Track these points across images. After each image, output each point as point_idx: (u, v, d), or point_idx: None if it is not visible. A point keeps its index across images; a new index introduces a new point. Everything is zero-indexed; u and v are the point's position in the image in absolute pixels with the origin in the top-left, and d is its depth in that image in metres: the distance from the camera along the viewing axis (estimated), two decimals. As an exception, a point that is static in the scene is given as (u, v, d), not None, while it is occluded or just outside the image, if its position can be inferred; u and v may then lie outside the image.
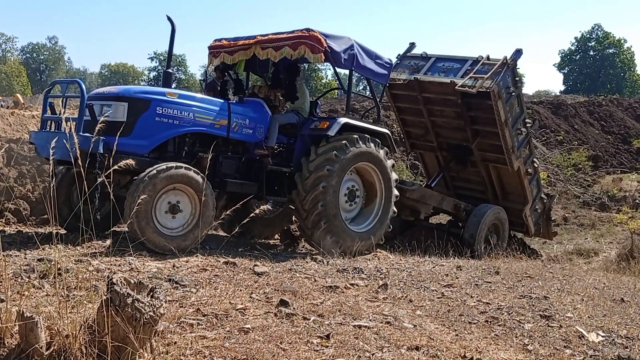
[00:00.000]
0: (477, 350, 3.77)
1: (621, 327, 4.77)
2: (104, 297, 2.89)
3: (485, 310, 4.83)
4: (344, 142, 7.43)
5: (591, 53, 70.63)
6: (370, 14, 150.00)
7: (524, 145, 10.17)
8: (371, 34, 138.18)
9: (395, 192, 8.27)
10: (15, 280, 4.24)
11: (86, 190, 3.49)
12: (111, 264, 5.13)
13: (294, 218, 8.40)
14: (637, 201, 17.16)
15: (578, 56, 71.24)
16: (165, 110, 6.66)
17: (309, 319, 4.00)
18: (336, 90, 28.78)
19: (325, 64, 10.69)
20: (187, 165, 6.39)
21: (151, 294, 3.08)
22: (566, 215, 16.18)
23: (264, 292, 4.61)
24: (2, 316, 2.99)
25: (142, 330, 2.92)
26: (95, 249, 5.93)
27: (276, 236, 9.39)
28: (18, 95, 16.95)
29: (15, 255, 5.36)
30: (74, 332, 2.91)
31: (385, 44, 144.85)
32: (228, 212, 4.83)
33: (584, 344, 4.19)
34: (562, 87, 70.04)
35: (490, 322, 4.51)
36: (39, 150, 6.95)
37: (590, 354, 4.01)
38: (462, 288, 5.58)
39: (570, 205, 17.44)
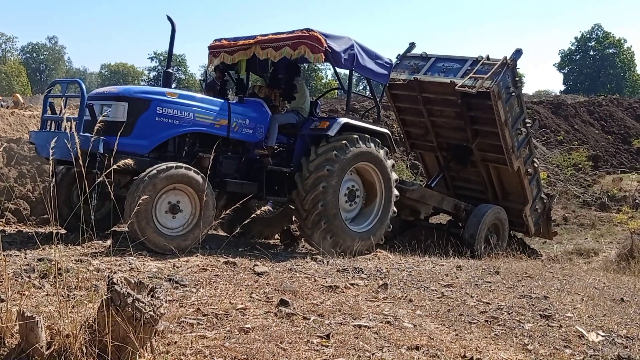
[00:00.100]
0: (477, 350, 3.77)
1: (621, 327, 4.77)
2: (105, 297, 2.90)
3: (485, 310, 4.84)
4: (344, 142, 7.43)
5: (591, 53, 70.65)
6: (370, 14, 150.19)
7: (524, 145, 10.17)
8: (371, 34, 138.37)
9: (395, 192, 8.27)
10: (15, 280, 4.24)
11: (86, 189, 3.50)
12: (111, 264, 5.13)
13: (294, 218, 8.40)
14: (637, 201, 17.17)
15: (578, 56, 71.26)
16: (165, 110, 6.67)
17: (309, 319, 4.00)
18: (336, 90, 28.79)
19: (325, 64, 10.69)
20: (187, 165, 6.39)
21: (151, 293, 3.08)
22: (566, 215, 16.19)
23: (264, 292, 4.61)
24: (2, 316, 2.99)
25: (142, 330, 2.92)
26: (96, 248, 5.93)
27: (276, 236, 9.39)
28: (18, 95, 16.98)
29: (16, 255, 5.36)
30: (75, 332, 2.91)
31: (385, 44, 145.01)
32: (228, 212, 4.84)
33: (584, 344, 4.19)
34: (562, 87, 70.19)
35: (490, 322, 4.51)
36: (39, 150, 6.95)
37: (590, 354, 4.01)
38: (462, 288, 5.58)
39: (570, 205, 17.45)
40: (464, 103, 9.83)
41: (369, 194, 8.13)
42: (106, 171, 3.51)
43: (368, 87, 9.04)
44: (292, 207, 7.70)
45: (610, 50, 70.00)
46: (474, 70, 9.50)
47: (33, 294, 3.97)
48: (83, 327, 2.95)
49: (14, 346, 2.91)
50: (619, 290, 6.42)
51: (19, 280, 4.28)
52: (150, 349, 3.05)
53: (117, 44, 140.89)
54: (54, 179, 6.32)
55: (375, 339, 3.77)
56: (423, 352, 3.62)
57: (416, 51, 10.65)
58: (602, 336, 4.41)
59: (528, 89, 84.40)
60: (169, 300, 4.00)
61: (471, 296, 5.26)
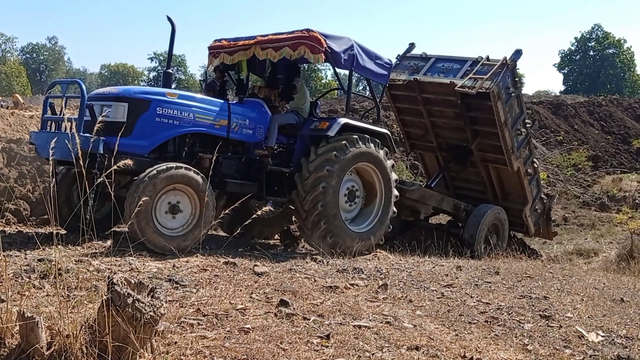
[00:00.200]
0: (477, 350, 3.78)
1: (621, 327, 4.77)
2: (105, 297, 2.90)
3: (485, 310, 4.84)
4: (343, 142, 7.44)
5: (591, 53, 70.67)
6: (370, 14, 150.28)
7: (524, 146, 10.17)
8: (371, 34, 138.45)
9: (395, 192, 8.27)
10: (15, 281, 4.24)
11: (87, 190, 3.50)
12: (111, 264, 5.13)
13: (293, 218, 8.41)
14: (637, 201, 17.17)
15: (578, 56, 71.29)
16: (165, 110, 6.67)
17: (309, 319, 4.00)
18: (336, 91, 28.80)
19: (325, 64, 10.70)
20: (187, 166, 6.39)
21: (151, 294, 3.09)
22: (566, 215, 16.19)
23: (264, 292, 4.62)
24: (2, 316, 2.99)
25: (142, 330, 2.92)
26: (96, 249, 5.94)
27: (276, 236, 9.40)
28: (17, 95, 16.98)
29: (16, 256, 5.36)
30: (75, 332, 2.91)
31: (385, 44, 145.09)
32: (227, 212, 4.83)
33: (583, 344, 4.20)
34: (562, 87, 70.20)
35: (490, 322, 4.51)
36: (39, 151, 6.96)
37: (590, 354, 4.01)
38: (462, 288, 5.59)
39: (570, 205, 17.45)
40: (463, 103, 9.83)
41: (368, 194, 8.13)
42: (106, 172, 3.52)
43: (368, 88, 9.05)
44: (291, 207, 7.70)
45: (610, 51, 70.03)
46: (474, 71, 9.50)
47: (33, 294, 3.97)
48: (83, 327, 2.95)
49: (14, 346, 2.91)
50: (618, 291, 6.43)
51: (19, 280, 4.28)
52: (151, 349, 3.06)
53: (117, 44, 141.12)
54: (54, 180, 6.34)
55: (375, 339, 3.77)
56: (423, 353, 3.62)
57: (416, 51, 10.65)
58: (602, 336, 4.42)
59: (528, 89, 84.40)
60: (169, 301, 4.00)
61: (471, 296, 5.26)
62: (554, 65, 73.95)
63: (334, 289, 5.01)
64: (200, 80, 11.01)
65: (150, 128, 6.57)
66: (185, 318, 3.73)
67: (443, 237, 9.82)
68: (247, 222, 4.83)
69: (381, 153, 7.95)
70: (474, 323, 4.42)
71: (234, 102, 7.55)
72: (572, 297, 5.70)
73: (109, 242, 6.06)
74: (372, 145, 7.81)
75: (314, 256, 6.74)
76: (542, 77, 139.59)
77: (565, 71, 72.36)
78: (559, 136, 24.43)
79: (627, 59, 69.75)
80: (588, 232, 14.85)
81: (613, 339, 4.38)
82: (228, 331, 3.61)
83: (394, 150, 8.89)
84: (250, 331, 3.63)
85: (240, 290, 4.61)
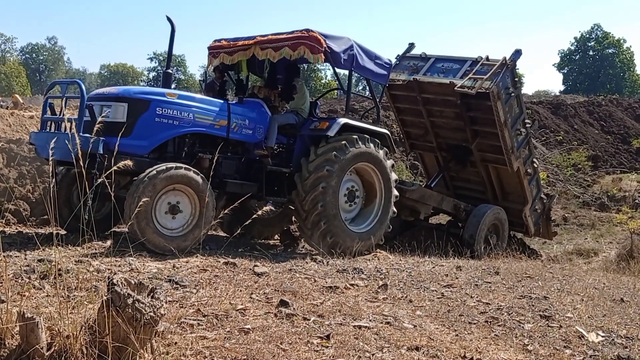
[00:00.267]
0: (477, 350, 3.78)
1: (621, 327, 4.77)
2: (105, 298, 2.90)
3: (485, 310, 4.84)
4: (343, 142, 7.44)
5: (591, 53, 70.66)
6: (370, 14, 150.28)
7: (524, 146, 10.18)
8: (371, 34, 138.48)
9: (395, 192, 8.27)
10: (15, 281, 4.24)
11: (87, 190, 3.50)
12: (111, 265, 5.13)
13: (293, 218, 8.41)
14: (636, 201, 17.18)
15: (578, 56, 71.28)
16: (165, 110, 6.67)
17: (309, 320, 4.00)
18: (336, 91, 28.81)
19: (324, 64, 10.70)
20: (186, 166, 6.39)
21: (151, 294, 3.09)
22: (566, 215, 16.20)
23: (264, 293, 4.62)
24: (2, 317, 2.99)
25: (142, 331, 2.92)
26: (96, 249, 5.93)
27: (276, 236, 9.40)
28: (17, 95, 16.99)
29: (16, 256, 5.36)
30: (75, 333, 2.91)
31: (385, 44, 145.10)
32: (226, 212, 4.83)
33: (583, 344, 4.20)
34: (562, 87, 70.16)
35: (490, 322, 4.51)
36: (39, 151, 6.96)
37: (590, 354, 4.01)
38: (462, 288, 5.59)
39: (570, 205, 17.46)
40: (463, 104, 9.84)
41: (368, 195, 8.13)
42: (106, 172, 3.52)
43: (367, 88, 9.05)
44: (291, 207, 7.70)
45: (610, 50, 70.02)
46: (474, 71, 9.51)
47: (33, 295, 3.97)
48: (83, 328, 2.95)
49: (14, 347, 2.91)
50: (618, 291, 6.43)
51: (19, 281, 4.28)
52: (151, 350, 3.06)
53: (117, 44, 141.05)
54: (54, 180, 6.33)
55: (375, 339, 3.77)
56: (423, 353, 3.62)
57: (415, 51, 10.65)
58: (602, 336, 4.42)
59: (527, 89, 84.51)
60: (169, 301, 4.00)
61: (471, 296, 5.26)
62: (553, 65, 74.04)
63: (334, 289, 5.01)
64: (199, 80, 11.00)
65: (150, 128, 6.57)
66: (185, 318, 3.73)
67: (443, 237, 9.82)
68: (247, 223, 4.83)
69: (381, 153, 7.95)
70: (474, 323, 4.42)
71: (234, 102, 7.55)
72: (572, 297, 5.70)
73: (108, 243, 6.05)
74: (371, 145, 7.81)
75: (314, 256, 6.74)
76: (541, 77, 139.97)
77: (565, 71, 72.36)
78: (558, 136, 24.44)
79: (626, 58, 69.75)
80: (588, 232, 14.86)
81: (613, 339, 4.38)
82: (228, 331, 3.61)
83: (394, 150, 8.89)
84: (250, 331, 3.63)
85: (240, 291, 4.61)
